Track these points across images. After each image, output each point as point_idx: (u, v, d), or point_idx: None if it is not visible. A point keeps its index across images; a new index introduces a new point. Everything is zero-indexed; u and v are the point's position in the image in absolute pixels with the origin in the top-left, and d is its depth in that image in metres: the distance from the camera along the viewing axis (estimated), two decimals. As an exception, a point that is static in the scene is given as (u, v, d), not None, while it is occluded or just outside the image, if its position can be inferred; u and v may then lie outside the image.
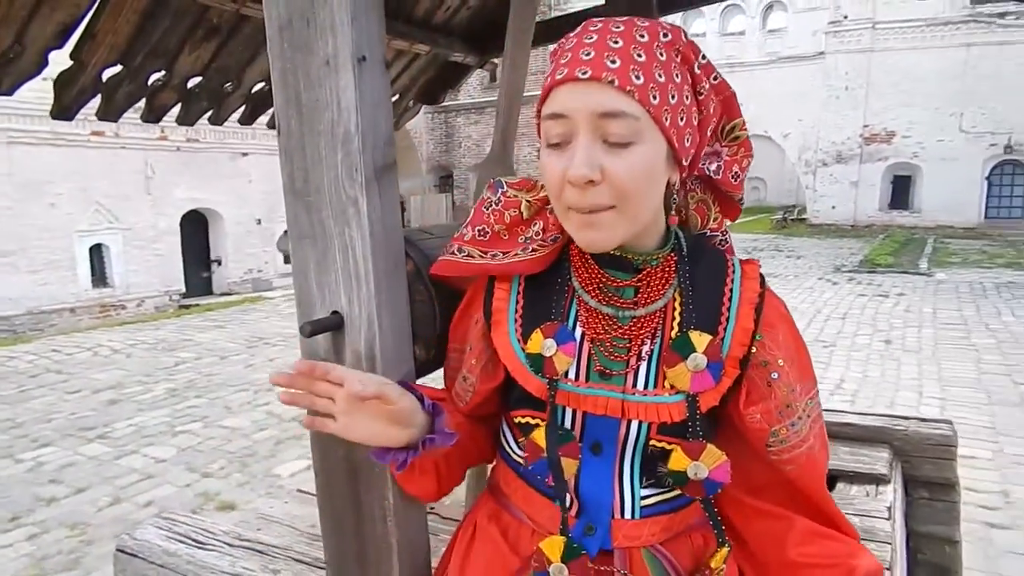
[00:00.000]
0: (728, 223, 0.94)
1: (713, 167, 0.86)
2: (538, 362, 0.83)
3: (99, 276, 13.31)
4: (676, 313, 0.82)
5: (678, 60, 0.76)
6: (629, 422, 0.81)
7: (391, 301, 0.91)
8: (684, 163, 0.79)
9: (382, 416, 0.82)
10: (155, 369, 7.95)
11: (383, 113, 0.90)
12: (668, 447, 0.80)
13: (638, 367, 0.81)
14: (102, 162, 12.75)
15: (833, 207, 22.13)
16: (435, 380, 1.00)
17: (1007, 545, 3.47)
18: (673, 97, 0.74)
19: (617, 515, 0.84)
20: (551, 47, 0.92)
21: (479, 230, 0.91)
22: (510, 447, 0.92)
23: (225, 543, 1.40)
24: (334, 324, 0.90)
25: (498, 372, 0.89)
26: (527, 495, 0.90)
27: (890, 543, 1.52)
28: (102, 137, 12.54)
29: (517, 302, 0.88)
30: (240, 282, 15.68)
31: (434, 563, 1.04)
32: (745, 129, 0.87)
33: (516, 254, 0.87)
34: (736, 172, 0.87)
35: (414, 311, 0.98)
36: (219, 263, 15.66)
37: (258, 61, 2.08)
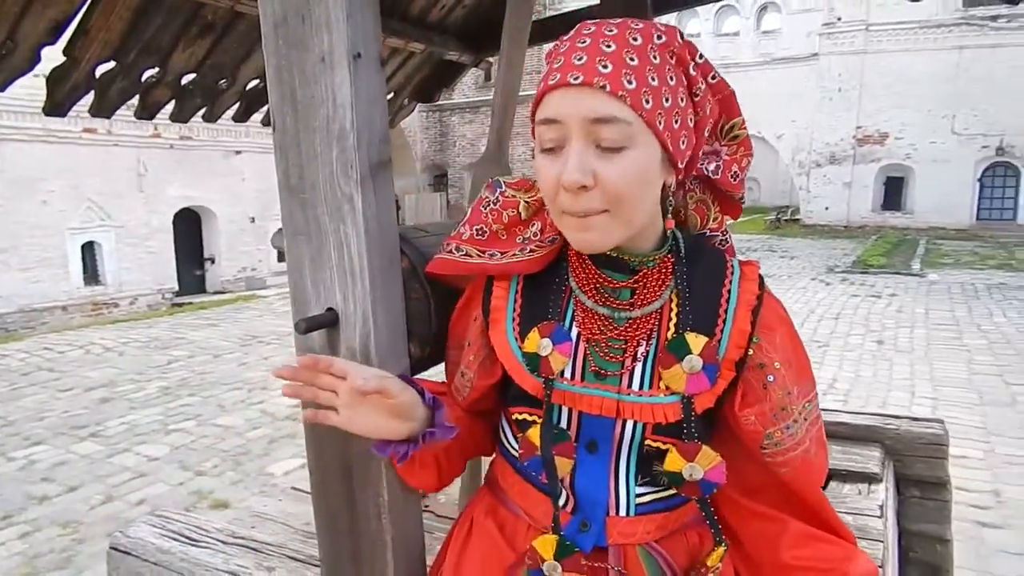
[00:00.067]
0: (730, 221, 0.94)
1: (712, 167, 0.86)
2: (534, 361, 0.83)
3: (91, 274, 13.24)
4: (673, 314, 0.82)
5: (673, 62, 0.75)
6: (624, 421, 0.81)
7: (386, 298, 0.91)
8: (680, 166, 0.79)
9: (383, 410, 0.82)
10: (148, 367, 7.91)
11: (378, 110, 0.90)
12: (663, 447, 0.80)
13: (633, 368, 0.81)
14: (94, 159, 12.68)
15: (826, 208, 22.22)
16: (435, 375, 1.00)
17: (998, 544, 3.49)
18: (667, 100, 0.74)
19: (612, 512, 0.84)
20: (547, 46, 0.92)
21: (477, 229, 0.91)
22: (508, 442, 0.92)
23: (219, 540, 1.40)
24: (329, 321, 0.90)
25: (495, 369, 0.89)
26: (524, 490, 0.90)
27: (882, 541, 1.53)
28: (94, 134, 12.47)
29: (515, 301, 0.88)
30: (234, 280, 15.62)
31: (429, 560, 1.04)
32: (745, 128, 0.87)
33: (514, 254, 0.88)
34: (735, 172, 0.86)
35: (409, 309, 0.98)
36: (212, 261, 15.60)
37: (252, 58, 2.08)
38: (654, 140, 0.74)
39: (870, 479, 1.85)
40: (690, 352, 0.78)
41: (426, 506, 1.79)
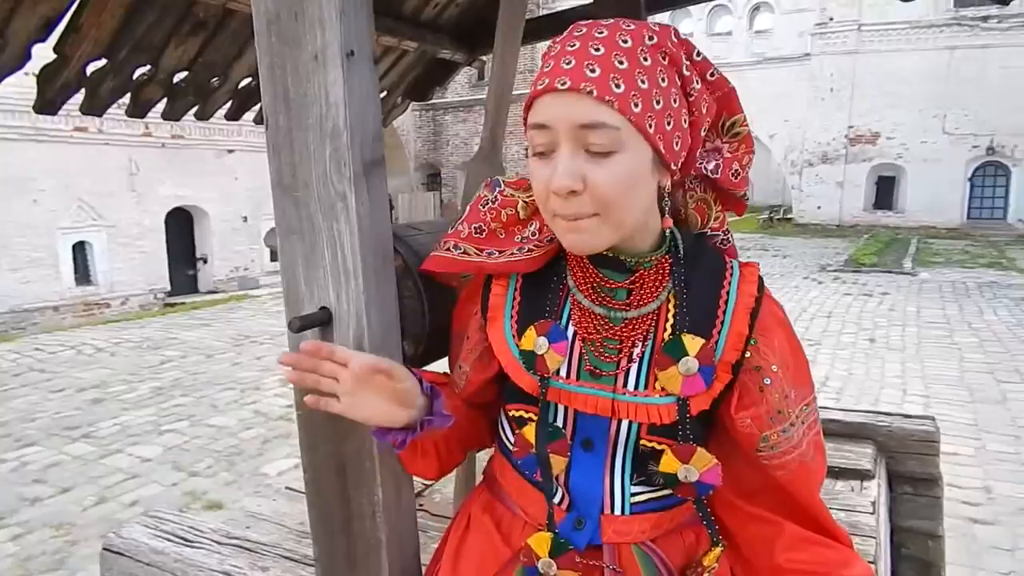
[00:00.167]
0: (734, 217, 0.93)
1: (711, 166, 0.85)
2: (531, 359, 0.83)
3: (82, 274, 13.16)
4: (670, 315, 0.81)
5: (665, 63, 0.75)
6: (620, 421, 0.81)
7: (379, 297, 0.91)
8: (674, 167, 0.78)
9: (384, 396, 0.82)
10: (140, 368, 7.87)
11: (371, 108, 0.90)
12: (659, 447, 0.80)
13: (628, 368, 0.81)
14: (85, 159, 12.60)
15: (819, 207, 22.33)
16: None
17: (989, 540, 3.52)
18: (658, 103, 0.73)
19: (607, 510, 0.85)
20: (540, 45, 0.92)
21: (475, 227, 0.91)
22: (507, 438, 0.92)
23: (213, 541, 1.39)
24: (322, 319, 0.90)
25: (492, 364, 0.89)
26: (520, 486, 0.90)
27: (875, 537, 1.54)
28: (85, 133, 12.39)
29: (514, 298, 0.88)
30: (226, 280, 15.57)
31: (423, 559, 1.04)
32: (746, 125, 0.86)
33: (512, 253, 0.88)
34: (736, 169, 0.85)
35: (403, 307, 0.97)
36: (205, 261, 15.53)
37: (245, 56, 2.07)
38: (644, 143, 0.73)
39: (863, 476, 1.86)
40: (686, 354, 0.78)
41: (420, 505, 1.79)
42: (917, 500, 2.03)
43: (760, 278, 0.84)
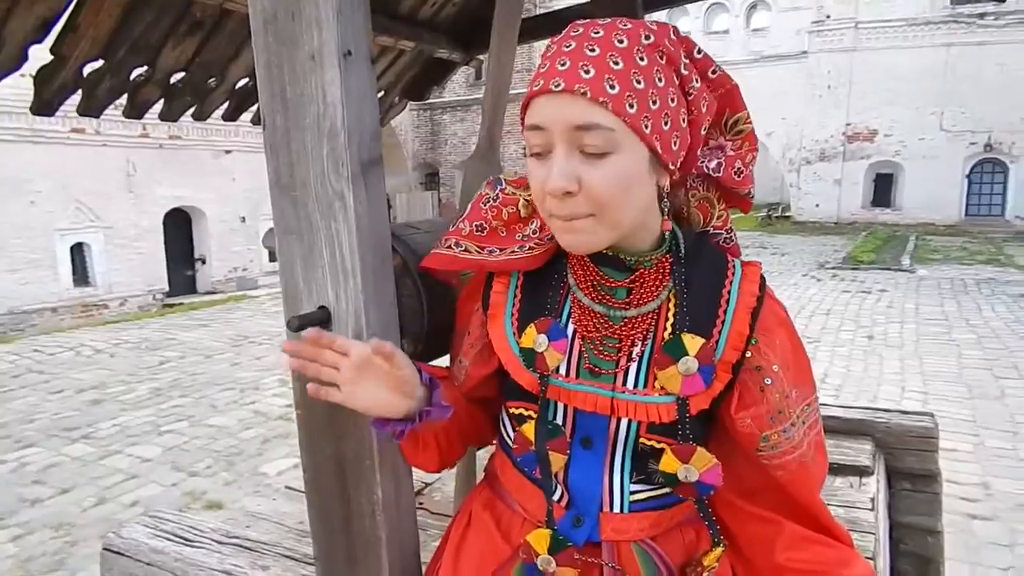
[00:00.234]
0: (739, 214, 0.93)
1: (713, 164, 0.84)
2: (530, 356, 0.83)
3: (81, 275, 13.14)
4: (670, 315, 0.81)
5: (662, 62, 0.74)
6: (619, 419, 0.81)
7: (378, 296, 0.91)
8: (672, 167, 0.78)
9: (384, 384, 0.82)
10: (139, 368, 7.87)
11: (369, 108, 0.90)
12: (658, 446, 0.80)
13: (628, 367, 0.81)
14: (82, 160, 12.58)
15: (817, 205, 22.35)
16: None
17: (988, 536, 3.53)
18: (655, 103, 0.73)
19: (606, 508, 0.85)
20: (537, 44, 0.92)
21: (476, 225, 0.91)
22: (508, 436, 0.92)
23: (213, 540, 1.39)
24: (321, 319, 0.90)
25: (491, 360, 0.90)
26: (520, 483, 0.90)
27: (873, 533, 1.54)
28: (82, 134, 12.37)
29: (515, 296, 0.89)
30: (224, 281, 15.55)
31: (423, 557, 1.04)
32: (750, 122, 0.85)
33: (513, 251, 0.88)
34: (739, 168, 0.85)
35: (402, 306, 0.98)
36: (203, 262, 15.51)
37: (242, 56, 2.07)
38: (641, 144, 0.73)
39: (861, 472, 1.86)
40: (686, 353, 0.78)
41: (420, 503, 1.79)
42: (916, 496, 2.03)
43: (762, 277, 0.83)
